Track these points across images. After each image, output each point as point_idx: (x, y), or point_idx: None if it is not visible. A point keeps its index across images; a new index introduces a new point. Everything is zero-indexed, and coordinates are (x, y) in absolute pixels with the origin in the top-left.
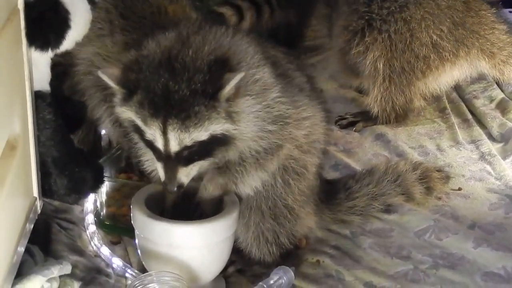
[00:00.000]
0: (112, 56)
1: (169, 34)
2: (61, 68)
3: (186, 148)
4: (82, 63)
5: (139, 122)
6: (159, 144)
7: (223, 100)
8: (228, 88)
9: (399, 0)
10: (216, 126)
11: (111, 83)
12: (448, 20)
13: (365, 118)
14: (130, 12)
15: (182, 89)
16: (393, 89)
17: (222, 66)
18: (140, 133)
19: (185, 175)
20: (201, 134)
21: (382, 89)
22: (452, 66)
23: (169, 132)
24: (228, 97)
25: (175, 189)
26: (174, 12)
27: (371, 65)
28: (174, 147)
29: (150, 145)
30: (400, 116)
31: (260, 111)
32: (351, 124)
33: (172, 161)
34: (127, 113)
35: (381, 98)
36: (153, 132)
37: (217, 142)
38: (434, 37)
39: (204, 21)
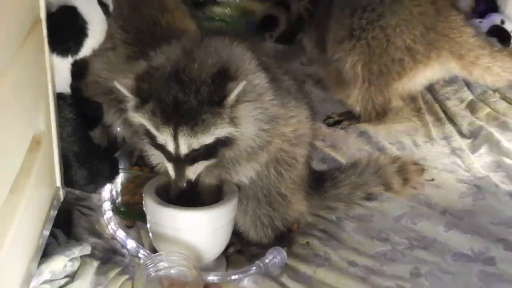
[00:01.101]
0: (116, 67)
1: (175, 47)
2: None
3: (194, 150)
4: (90, 73)
5: (151, 128)
6: (170, 147)
7: (227, 107)
8: (232, 97)
9: (377, 10)
10: (220, 131)
11: (126, 92)
12: (420, 25)
13: (349, 117)
14: (129, 25)
15: (190, 99)
16: (372, 90)
17: (224, 77)
18: (151, 137)
19: (192, 172)
20: (207, 138)
21: (362, 91)
22: (425, 68)
23: (179, 137)
24: (231, 104)
25: (184, 184)
26: (168, 23)
27: (351, 69)
28: (183, 150)
29: (161, 147)
30: (380, 114)
31: (257, 114)
32: (337, 123)
33: (181, 161)
34: (140, 119)
35: (361, 98)
36: (165, 138)
37: (221, 144)
38: (408, 41)
39: (204, 33)
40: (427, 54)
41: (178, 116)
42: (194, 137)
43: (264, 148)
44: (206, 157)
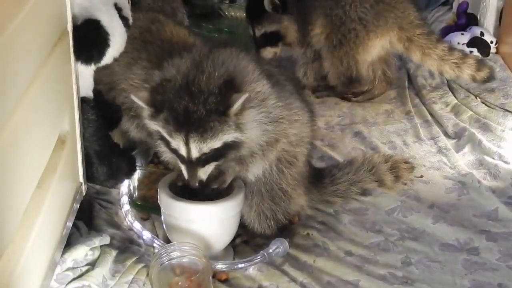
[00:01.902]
0: (120, 76)
1: (185, 60)
2: None
3: (204, 154)
4: (105, 84)
5: (165, 135)
6: (183, 152)
7: (232, 116)
8: (236, 106)
9: None
10: (227, 136)
11: (142, 104)
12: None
13: (332, 91)
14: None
15: (200, 109)
16: (334, 59)
17: (230, 87)
18: (166, 142)
19: (203, 173)
20: (216, 143)
21: (329, 60)
22: (375, 36)
23: (190, 143)
24: (236, 112)
25: (197, 184)
26: (159, 31)
27: (319, 42)
28: (194, 154)
29: (175, 151)
30: (356, 82)
31: (261, 118)
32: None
33: (193, 164)
34: (155, 127)
35: (330, 66)
36: (178, 143)
37: (229, 147)
38: (360, 13)
39: (212, 45)
40: (376, 22)
41: (189, 124)
42: (204, 142)
43: (273, 145)
44: (216, 159)
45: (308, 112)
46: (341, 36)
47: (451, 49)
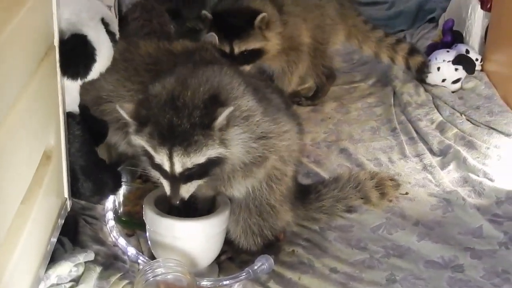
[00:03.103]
0: (114, 94)
1: (171, 77)
2: None
3: (187, 169)
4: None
5: (149, 149)
6: (166, 166)
7: (217, 130)
8: (220, 119)
9: None
10: (211, 151)
11: (126, 116)
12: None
13: (313, 98)
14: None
15: (184, 123)
16: (317, 57)
17: (215, 102)
18: (150, 157)
19: (186, 191)
20: (200, 158)
21: (307, 61)
22: (339, 31)
23: (174, 157)
24: (220, 127)
25: (178, 202)
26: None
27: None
28: (178, 169)
29: (158, 167)
30: (331, 77)
31: (245, 136)
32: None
33: (176, 179)
34: (139, 141)
35: (312, 67)
36: (161, 158)
37: (212, 163)
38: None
39: (197, 63)
40: (339, 17)
41: (173, 138)
42: (188, 156)
43: (261, 164)
44: (199, 176)
45: (297, 125)
46: (322, 33)
47: (387, 34)
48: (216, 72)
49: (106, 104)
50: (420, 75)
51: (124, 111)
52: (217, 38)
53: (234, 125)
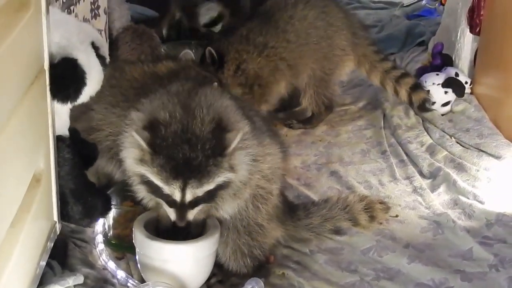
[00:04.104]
0: (104, 122)
1: (172, 99)
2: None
3: (197, 197)
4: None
5: (158, 181)
6: (177, 197)
7: (228, 156)
8: (232, 147)
9: (322, 27)
10: (221, 178)
11: (142, 143)
12: (345, 31)
13: (304, 122)
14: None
15: (198, 156)
16: (320, 87)
17: (221, 129)
18: (153, 187)
19: (192, 214)
20: (210, 185)
21: (314, 89)
22: (348, 60)
23: (187, 188)
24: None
25: (183, 224)
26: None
27: (304, 73)
28: (188, 198)
29: (164, 196)
30: (329, 108)
31: (247, 158)
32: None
33: (184, 207)
34: (144, 172)
35: (312, 96)
36: (173, 190)
37: (220, 188)
38: (343, 41)
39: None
40: (350, 47)
41: (188, 171)
42: (200, 187)
43: (246, 183)
44: (206, 201)
45: (279, 144)
46: (331, 64)
47: (395, 66)
48: (215, 96)
49: (98, 132)
50: (421, 111)
51: (141, 137)
52: (192, 54)
53: (239, 149)
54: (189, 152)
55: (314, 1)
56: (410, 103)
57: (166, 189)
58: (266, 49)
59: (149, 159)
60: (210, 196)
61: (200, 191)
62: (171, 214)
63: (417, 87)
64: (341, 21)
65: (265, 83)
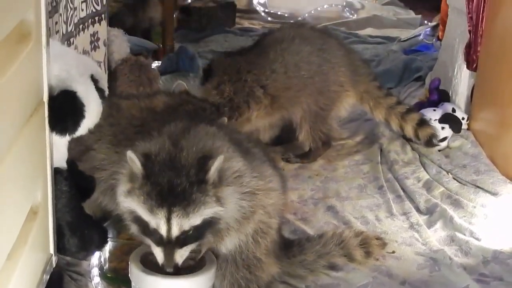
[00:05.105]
0: (106, 162)
1: (165, 138)
2: None
3: (184, 232)
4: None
5: (144, 213)
6: (163, 230)
7: (211, 182)
8: (213, 170)
9: (316, 62)
10: (208, 210)
11: (139, 164)
12: (343, 66)
13: (302, 156)
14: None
15: (183, 182)
16: (316, 123)
17: (206, 158)
18: (142, 223)
19: (180, 256)
20: (197, 219)
21: (309, 125)
22: (347, 95)
23: (172, 218)
24: (213, 180)
25: (172, 269)
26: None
27: (299, 109)
28: (175, 232)
29: (151, 232)
30: (327, 143)
31: (237, 195)
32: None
33: (171, 244)
34: (132, 204)
35: (309, 132)
36: (158, 221)
37: (207, 225)
38: (339, 77)
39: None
40: (350, 83)
41: (173, 197)
42: (186, 217)
43: (249, 218)
44: (194, 239)
45: (280, 177)
46: (326, 99)
47: (399, 102)
48: (207, 135)
49: (101, 172)
50: (428, 146)
51: (138, 159)
52: (185, 85)
53: (227, 185)
54: (174, 179)
55: (314, 38)
56: (417, 139)
57: (152, 221)
58: (248, 75)
59: (137, 186)
60: (198, 235)
61: (187, 224)
62: (159, 255)
63: (424, 123)
64: (340, 58)
65: (235, 108)
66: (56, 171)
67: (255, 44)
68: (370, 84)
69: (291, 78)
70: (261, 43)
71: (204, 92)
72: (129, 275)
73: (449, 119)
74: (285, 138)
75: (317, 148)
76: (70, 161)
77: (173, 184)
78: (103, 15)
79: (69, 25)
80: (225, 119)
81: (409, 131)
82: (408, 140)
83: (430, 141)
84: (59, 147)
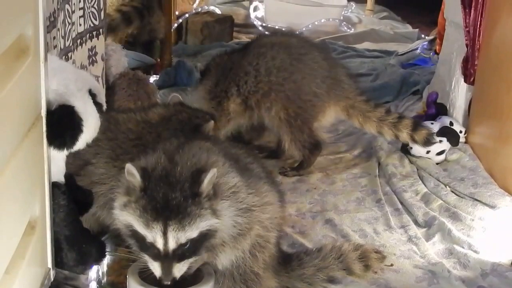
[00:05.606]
0: (105, 176)
1: (161, 154)
2: None
3: (181, 245)
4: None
5: (140, 227)
6: (159, 244)
7: (205, 195)
8: (206, 183)
9: (288, 69)
10: (204, 223)
11: (137, 176)
12: (320, 75)
13: (297, 168)
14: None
15: (178, 196)
16: (295, 130)
17: (200, 171)
18: (138, 238)
19: (178, 270)
20: (193, 232)
21: (289, 135)
22: (329, 106)
23: (168, 232)
24: (208, 193)
25: (169, 282)
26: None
27: (275, 117)
28: (172, 245)
29: (148, 247)
30: (316, 149)
31: (233, 210)
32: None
33: (169, 259)
34: (128, 218)
35: (291, 140)
36: (154, 235)
37: (204, 238)
38: (313, 87)
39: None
40: (327, 95)
41: (168, 211)
42: (182, 230)
43: (246, 234)
44: (191, 254)
45: (277, 192)
46: (297, 108)
47: (388, 111)
48: (202, 150)
49: (100, 186)
50: (428, 145)
51: (136, 171)
52: (180, 97)
53: (222, 198)
54: (168, 193)
55: (296, 48)
56: (415, 143)
57: (148, 235)
58: (229, 72)
59: (134, 200)
60: (194, 249)
61: (183, 237)
62: (157, 269)
63: (417, 126)
64: (317, 71)
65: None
66: (54, 185)
67: (247, 44)
68: (356, 99)
69: (260, 82)
70: (251, 44)
71: (202, 90)
72: None
73: (447, 132)
74: (280, 152)
75: (307, 155)
76: (68, 175)
77: (168, 198)
78: (101, 30)
79: (67, 40)
80: (212, 123)
81: (404, 137)
82: (406, 153)
83: (428, 141)
84: (57, 161)
